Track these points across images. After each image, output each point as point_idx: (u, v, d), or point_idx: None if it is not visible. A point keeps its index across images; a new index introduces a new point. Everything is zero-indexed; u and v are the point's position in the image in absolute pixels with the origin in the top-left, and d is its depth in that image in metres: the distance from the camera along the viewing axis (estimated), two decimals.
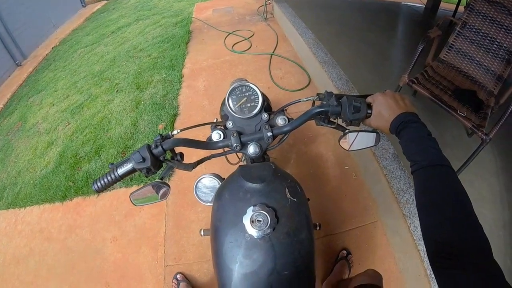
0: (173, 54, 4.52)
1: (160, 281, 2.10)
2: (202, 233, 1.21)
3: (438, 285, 0.61)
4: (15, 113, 4.95)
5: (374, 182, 2.33)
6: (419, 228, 1.82)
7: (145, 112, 3.47)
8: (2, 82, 6.25)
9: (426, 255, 1.74)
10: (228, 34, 4.82)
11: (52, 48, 7.21)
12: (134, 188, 2.37)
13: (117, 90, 4.11)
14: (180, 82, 3.90)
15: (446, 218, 0.67)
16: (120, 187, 2.70)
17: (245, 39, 4.59)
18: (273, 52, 4.12)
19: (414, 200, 1.91)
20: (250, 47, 4.38)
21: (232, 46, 4.44)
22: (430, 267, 1.69)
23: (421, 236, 1.81)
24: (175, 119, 3.31)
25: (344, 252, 2.04)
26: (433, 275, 1.66)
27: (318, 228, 1.15)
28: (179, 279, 2.04)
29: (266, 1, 5.24)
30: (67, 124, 3.88)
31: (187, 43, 4.83)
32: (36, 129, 4.12)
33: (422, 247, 1.76)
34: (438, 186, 0.72)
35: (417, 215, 1.90)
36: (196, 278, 2.08)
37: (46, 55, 6.95)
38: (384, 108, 0.88)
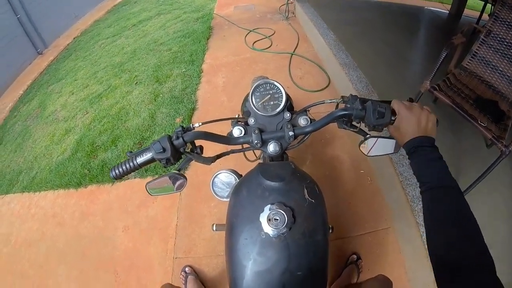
0: (193, 49, 4.53)
1: (168, 273, 2.10)
2: (214, 228, 1.21)
3: None
4: (34, 100, 5.03)
5: (389, 188, 2.29)
6: None
7: (163, 105, 3.48)
8: (23, 69, 6.38)
9: None
10: (249, 32, 4.81)
11: (74, 38, 7.30)
12: (149, 179, 2.39)
13: (136, 82, 4.14)
14: (199, 77, 3.90)
15: (451, 236, 0.70)
16: (135, 178, 2.71)
17: (266, 37, 4.57)
18: (293, 52, 4.09)
19: None
20: (271, 45, 4.36)
21: (253, 44, 4.42)
22: None
23: None
24: (192, 113, 3.31)
25: (354, 256, 2.01)
26: None
27: (330, 231, 1.13)
28: (187, 272, 2.03)
29: (288, 0, 5.21)
30: (85, 113, 3.92)
31: (207, 39, 4.83)
32: (54, 117, 4.19)
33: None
34: (444, 206, 0.75)
35: None
36: (205, 272, 2.07)
37: (67, 45, 7.04)
38: (406, 125, 0.88)
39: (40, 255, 2.47)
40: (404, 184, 2.08)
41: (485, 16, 4.06)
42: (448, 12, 5.47)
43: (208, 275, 2.06)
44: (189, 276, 1.99)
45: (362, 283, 1.28)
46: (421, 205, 1.92)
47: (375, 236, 2.14)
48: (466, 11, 5.29)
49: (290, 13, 5.24)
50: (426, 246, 0.74)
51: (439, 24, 5.30)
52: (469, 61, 2.64)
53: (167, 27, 5.79)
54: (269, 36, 4.59)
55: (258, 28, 4.88)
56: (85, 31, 7.60)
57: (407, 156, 0.88)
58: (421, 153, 0.83)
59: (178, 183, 1.04)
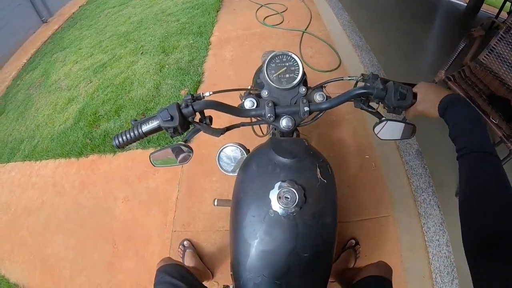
0: (202, 21, 4.42)
1: (166, 245, 2.09)
2: (215, 203, 1.19)
3: (473, 277, 0.59)
4: (38, 69, 5.00)
5: (393, 176, 2.25)
6: (432, 229, 1.81)
7: (169, 76, 3.41)
8: (27, 38, 6.34)
9: (434, 257, 1.69)
10: (261, 6, 4.65)
11: (79, 7, 7.21)
12: (151, 150, 2.34)
13: (142, 52, 4.06)
14: (207, 49, 3.80)
15: (492, 208, 0.64)
16: (137, 148, 2.66)
17: (278, 13, 4.43)
18: (305, 30, 3.96)
19: (432, 200, 1.83)
20: (282, 21, 4.23)
21: (264, 19, 4.29)
22: (436, 270, 1.64)
23: (433, 238, 1.74)
24: (198, 86, 3.24)
25: (353, 241, 2.00)
26: (437, 279, 1.64)
27: None
28: (185, 245, 2.02)
29: None
30: (89, 82, 3.88)
31: (217, 11, 4.70)
32: (57, 85, 4.15)
33: (432, 249, 1.74)
34: (487, 175, 0.69)
35: (432, 216, 1.84)
36: (203, 246, 2.06)
37: (73, 13, 6.96)
38: (431, 91, 0.86)
39: (39, 223, 2.48)
40: (409, 174, 2.06)
41: (504, 14, 3.99)
42: (466, 5, 5.36)
43: (206, 249, 2.05)
44: (187, 250, 1.98)
45: (363, 268, 1.28)
46: (424, 197, 1.90)
47: (375, 223, 2.11)
48: (484, 6, 5.19)
49: None
50: (459, 218, 0.68)
51: (456, 16, 5.20)
52: (486, 55, 2.57)
53: None
54: (281, 12, 4.44)
55: (270, 3, 4.71)
56: None
57: (444, 119, 0.82)
58: (459, 108, 0.79)
59: (182, 155, 1.02)
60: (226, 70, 3.44)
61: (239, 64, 3.48)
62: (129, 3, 6.15)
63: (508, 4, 4.20)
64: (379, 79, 0.90)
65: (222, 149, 1.10)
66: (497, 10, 4.45)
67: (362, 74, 1.00)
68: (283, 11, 4.43)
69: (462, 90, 2.22)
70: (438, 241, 1.76)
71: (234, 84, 3.18)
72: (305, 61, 3.40)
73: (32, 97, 4.18)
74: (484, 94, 2.30)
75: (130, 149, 2.66)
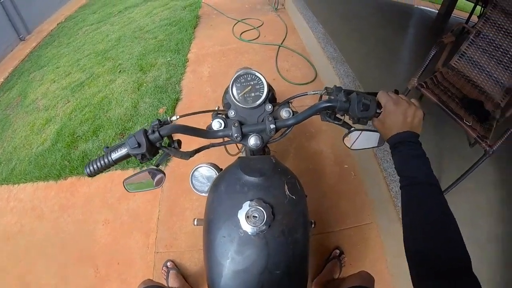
0: (179, 37, 4.45)
1: (150, 267, 2.07)
2: (195, 223, 1.19)
3: None
4: (15, 88, 4.92)
5: (373, 184, 2.30)
6: None
7: (147, 94, 3.42)
8: (4, 56, 6.22)
9: None
10: (237, 22, 4.73)
11: (58, 24, 7.14)
12: (130, 171, 2.34)
13: (120, 71, 4.06)
14: (185, 66, 3.83)
15: (429, 234, 0.69)
16: (116, 170, 2.65)
17: (254, 28, 4.51)
18: (281, 44, 4.03)
19: None
20: (259, 36, 4.30)
21: (240, 34, 4.36)
22: None
23: None
24: (176, 103, 3.26)
25: (337, 251, 2.02)
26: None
27: (313, 226, 1.12)
28: (169, 266, 2.00)
29: None
30: (66, 102, 3.84)
31: (194, 28, 4.75)
32: (35, 105, 4.09)
33: None
34: (423, 202, 0.74)
35: None
36: (187, 267, 2.05)
37: (51, 31, 6.88)
38: (391, 119, 0.86)
39: (19, 248, 2.43)
40: (388, 180, 2.09)
41: (474, 17, 4.11)
42: (437, 11, 5.50)
43: (190, 269, 2.04)
44: (171, 271, 1.97)
45: (345, 278, 1.30)
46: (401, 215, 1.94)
47: (358, 231, 2.14)
48: (455, 12, 5.34)
49: (280, 4, 5.16)
50: (403, 241, 0.73)
51: (428, 23, 5.35)
52: (457, 60, 2.66)
53: (154, 14, 5.68)
54: (257, 27, 4.53)
55: (246, 19, 4.80)
56: (70, 16, 7.43)
57: (390, 150, 0.86)
58: (404, 148, 0.82)
59: (157, 178, 1.02)
60: (203, 86, 3.48)
61: (217, 80, 3.51)
62: (107, 21, 6.13)
63: (478, 8, 4.33)
64: (342, 91, 0.91)
65: (195, 170, 1.11)
66: (468, 15, 4.58)
67: (326, 88, 1.00)
68: (259, 26, 4.51)
69: (435, 95, 2.27)
70: None
71: (211, 100, 3.22)
72: (282, 74, 3.47)
73: (9, 118, 4.10)
74: (457, 98, 2.37)
75: (109, 171, 2.60)
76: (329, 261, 1.97)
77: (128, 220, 2.35)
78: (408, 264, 0.68)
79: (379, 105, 0.89)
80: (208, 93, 3.36)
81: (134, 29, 5.24)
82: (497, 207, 2.21)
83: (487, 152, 1.94)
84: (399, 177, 0.82)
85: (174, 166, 2.61)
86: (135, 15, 5.95)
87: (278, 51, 3.89)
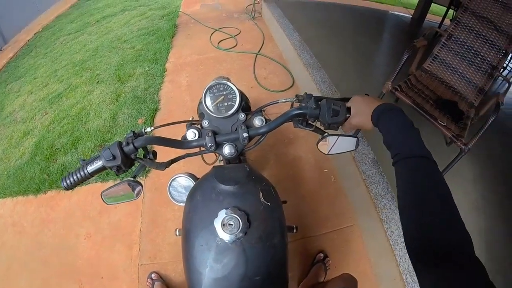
0: (157, 47, 4.46)
1: (134, 280, 2.07)
2: (177, 233, 1.21)
3: (420, 285, 0.59)
4: None
5: (353, 186, 2.35)
6: (396, 233, 1.86)
7: (125, 105, 3.41)
8: None
9: (401, 259, 1.77)
10: (215, 31, 4.77)
11: (35, 33, 7.01)
12: (110, 183, 2.33)
13: (98, 81, 4.03)
14: (163, 76, 3.85)
15: (431, 214, 0.64)
16: (96, 182, 2.64)
17: (231, 37, 4.56)
18: (258, 52, 4.10)
19: (392, 205, 1.90)
20: (236, 45, 4.36)
21: (218, 43, 4.40)
22: (405, 271, 1.71)
23: (397, 241, 1.78)
24: (155, 114, 3.27)
25: (321, 255, 2.05)
26: (408, 280, 1.70)
27: (294, 231, 1.14)
28: (153, 278, 2.00)
29: (254, 0, 5.21)
30: (44, 114, 3.79)
31: (172, 37, 4.77)
32: (12, 118, 4.02)
33: (398, 252, 1.79)
34: (422, 179, 0.70)
35: (394, 220, 1.91)
36: (171, 278, 2.06)
37: (28, 40, 6.76)
38: (364, 104, 0.89)
39: (1, 265, 2.38)
40: (367, 182, 2.15)
41: (447, 21, 4.23)
42: (411, 16, 5.63)
43: (174, 280, 2.05)
44: (155, 283, 1.97)
45: (328, 281, 1.30)
46: (384, 203, 1.98)
47: (340, 234, 2.19)
48: (429, 16, 5.49)
49: (257, 13, 5.24)
50: (401, 224, 0.68)
51: (403, 28, 5.49)
52: (430, 63, 2.75)
53: (132, 24, 5.66)
54: (234, 36, 4.58)
55: (224, 27, 4.86)
56: (47, 26, 7.30)
57: (377, 129, 0.84)
58: (391, 116, 0.81)
59: (135, 190, 1.03)
60: (182, 96, 3.49)
61: (195, 90, 3.54)
62: (85, 30, 6.06)
63: (450, 11, 4.45)
64: (312, 98, 0.94)
65: (172, 180, 1.12)
66: (441, 19, 4.71)
67: (297, 95, 1.03)
68: (237, 35, 4.56)
69: (409, 98, 2.33)
70: (403, 243, 1.83)
71: (190, 109, 3.23)
72: (259, 82, 3.51)
73: None
74: (431, 100, 2.44)
75: (89, 183, 2.62)
76: (314, 265, 2.00)
77: (110, 233, 2.34)
78: (408, 254, 0.64)
79: (348, 111, 0.91)
80: (186, 103, 3.38)
81: (112, 39, 5.20)
82: (477, 202, 2.33)
83: (462, 150, 2.02)
84: (390, 153, 0.78)
85: (154, 176, 2.61)
86: (113, 24, 5.91)
87: (255, 59, 3.95)
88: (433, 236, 0.61)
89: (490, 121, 1.99)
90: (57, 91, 4.16)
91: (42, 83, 4.56)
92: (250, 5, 5.36)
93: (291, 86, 3.46)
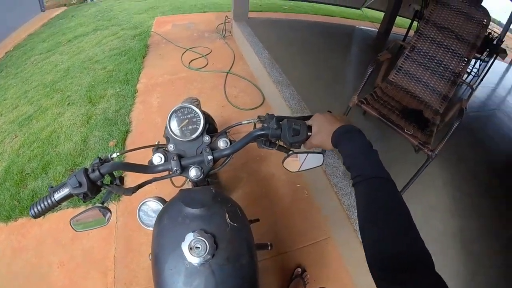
0: (128, 67, 4.47)
1: None
2: (150, 258, 1.23)
3: None
4: None
5: (325, 199, 2.41)
6: None
7: (96, 127, 3.40)
8: None
9: None
10: (186, 51, 4.83)
11: (6, 53, 6.92)
12: (82, 209, 2.31)
13: (69, 103, 4.00)
14: (134, 97, 3.85)
15: (390, 231, 0.66)
16: (67, 208, 2.62)
17: (202, 56, 4.63)
18: (229, 71, 4.18)
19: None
20: (207, 64, 4.42)
21: (189, 63, 4.46)
22: None
23: None
24: (126, 136, 3.26)
25: (299, 270, 2.08)
26: None
27: (270, 248, 1.16)
28: None
29: (225, 19, 5.31)
30: (14, 137, 3.73)
31: (143, 57, 4.79)
32: None
33: None
34: (381, 198, 0.72)
35: None
36: None
37: None
38: (324, 124, 0.90)
39: None
40: (339, 195, 2.20)
41: (412, 33, 4.39)
42: (377, 30, 5.81)
43: None
44: None
45: None
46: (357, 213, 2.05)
47: (316, 247, 2.24)
48: (395, 29, 5.68)
49: (227, 32, 5.35)
50: (362, 244, 0.71)
51: (369, 42, 5.66)
52: (395, 75, 2.86)
53: (104, 44, 5.66)
54: (205, 55, 4.65)
55: (195, 47, 4.92)
56: (18, 45, 7.21)
57: (337, 150, 0.86)
58: (351, 139, 0.83)
59: (101, 217, 1.02)
60: (153, 117, 3.52)
61: (166, 111, 3.45)
62: (57, 50, 6.01)
63: (415, 24, 4.62)
64: (274, 118, 0.96)
65: (142, 204, 1.12)
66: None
67: (259, 116, 1.05)
68: (208, 54, 4.63)
69: (375, 110, 2.39)
70: None
71: (161, 131, 3.12)
72: (230, 101, 3.57)
73: None
74: (397, 110, 2.52)
75: (61, 209, 2.60)
76: (293, 280, 2.03)
77: (84, 260, 2.31)
78: (370, 271, 0.65)
79: (309, 129, 0.94)
80: (158, 124, 3.39)
81: (84, 59, 5.18)
82: (447, 205, 2.42)
83: (430, 157, 2.11)
84: (350, 174, 0.80)
85: (127, 200, 2.61)
86: (84, 44, 5.88)
87: (226, 78, 4.02)
88: (395, 252, 0.63)
89: (455, 127, 2.05)
90: (27, 113, 4.10)
91: (12, 105, 4.49)
92: (221, 24, 5.48)
93: (261, 104, 3.53)
